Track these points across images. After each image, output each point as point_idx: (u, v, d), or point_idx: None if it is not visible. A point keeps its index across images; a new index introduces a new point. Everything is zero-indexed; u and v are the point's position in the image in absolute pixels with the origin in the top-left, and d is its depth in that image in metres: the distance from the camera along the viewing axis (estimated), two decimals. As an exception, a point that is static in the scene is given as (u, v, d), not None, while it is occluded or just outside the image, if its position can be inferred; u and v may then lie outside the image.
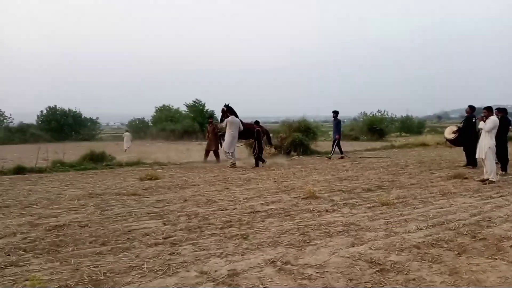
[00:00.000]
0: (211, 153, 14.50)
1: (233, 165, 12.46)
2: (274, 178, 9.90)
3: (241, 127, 12.73)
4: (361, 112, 51.24)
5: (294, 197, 7.42)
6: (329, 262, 4.11)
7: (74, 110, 44.48)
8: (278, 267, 4.00)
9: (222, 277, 3.78)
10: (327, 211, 6.35)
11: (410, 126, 49.04)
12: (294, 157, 15.17)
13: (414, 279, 3.65)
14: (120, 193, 8.17)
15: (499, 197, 7.17)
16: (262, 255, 4.36)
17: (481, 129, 8.79)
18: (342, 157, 14.70)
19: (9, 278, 3.86)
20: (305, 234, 5.09)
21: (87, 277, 3.83)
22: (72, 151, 16.22)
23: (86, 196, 7.97)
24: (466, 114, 11.48)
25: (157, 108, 50.40)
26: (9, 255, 4.53)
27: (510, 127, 10.54)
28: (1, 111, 45.10)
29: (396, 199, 7.06)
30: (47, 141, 38.87)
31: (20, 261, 4.30)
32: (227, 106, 13.00)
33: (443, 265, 3.97)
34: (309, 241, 4.83)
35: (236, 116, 12.88)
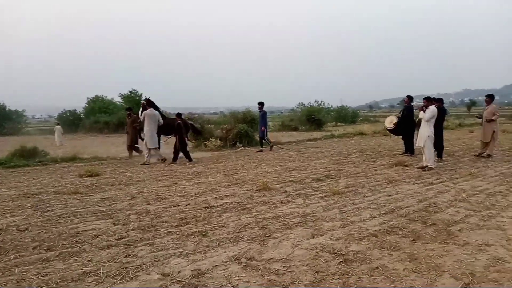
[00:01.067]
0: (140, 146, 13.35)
1: (162, 160, 11.76)
2: (224, 171, 9.75)
3: (161, 121, 11.90)
4: (299, 103, 52.41)
5: (247, 190, 7.35)
6: (294, 255, 4.09)
7: (-4, 102, 40.89)
8: (244, 264, 3.91)
9: (187, 278, 3.62)
10: (282, 202, 6.35)
11: (345, 116, 50.93)
12: (240, 148, 15.09)
13: (377, 268, 3.73)
14: (60, 192, 7.60)
15: (439, 183, 7.60)
16: (225, 252, 4.25)
17: (421, 118, 9.25)
18: (260, 151, 14.24)
19: None
20: (264, 228, 5.04)
21: (36, 287, 3.49)
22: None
23: (21, 196, 7.33)
24: (404, 104, 12.05)
25: (89, 99, 47.78)
26: None
27: (446, 116, 11.22)
28: None
29: (345, 188, 7.23)
30: (-35, 136, 35.60)
31: (-47, 274, 3.83)
32: (147, 99, 12.38)
33: (401, 252, 4.11)
34: (269, 234, 4.78)
35: (157, 109, 12.24)
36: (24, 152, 12.73)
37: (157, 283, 3.53)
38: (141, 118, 11.90)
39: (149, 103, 12.16)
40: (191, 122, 14.53)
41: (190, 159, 11.87)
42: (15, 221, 5.67)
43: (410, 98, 12.00)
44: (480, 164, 9.85)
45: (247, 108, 17.67)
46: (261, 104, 14.64)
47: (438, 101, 10.46)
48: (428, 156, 9.10)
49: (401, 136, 12.19)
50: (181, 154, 11.90)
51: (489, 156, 10.72)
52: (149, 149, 11.63)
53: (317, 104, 48.63)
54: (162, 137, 12.85)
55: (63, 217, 5.79)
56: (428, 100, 9.41)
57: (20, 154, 12.54)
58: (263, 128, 14.36)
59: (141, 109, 12.15)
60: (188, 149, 12.40)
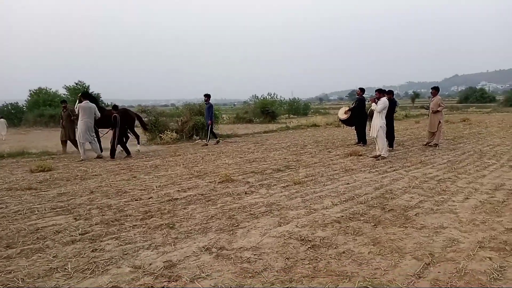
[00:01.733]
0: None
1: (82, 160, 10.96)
2: (183, 164, 9.68)
3: (98, 114, 11.29)
4: (253, 95, 52.67)
5: (210, 182, 7.36)
6: (263, 243, 4.20)
7: None
8: (215, 254, 3.96)
9: (159, 270, 3.62)
10: (245, 193, 6.44)
11: (297, 108, 51.79)
12: (197, 141, 14.99)
13: (344, 252, 3.92)
14: (12, 188, 7.24)
15: (393, 171, 8.01)
16: (195, 243, 4.27)
17: (373, 110, 9.65)
18: (218, 142, 14.33)
19: None
20: (232, 218, 5.10)
21: (2, 286, 3.35)
22: None
23: (-31, 194, 6.90)
24: (357, 96, 12.49)
25: (32, 92, 45.27)
26: None
27: (396, 107, 11.78)
28: None
29: (306, 178, 7.44)
30: None
31: None
32: (82, 92, 12.02)
33: (365, 237, 4.33)
34: (237, 224, 4.86)
35: (94, 102, 11.76)
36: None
37: (129, 276, 3.50)
38: (76, 111, 11.43)
39: (85, 96, 11.60)
40: (139, 115, 14.17)
41: (128, 152, 11.47)
42: (-34, 219, 5.35)
43: (362, 90, 12.45)
44: (429, 152, 10.46)
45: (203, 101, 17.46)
46: (207, 96, 14.35)
47: (389, 93, 10.95)
48: (381, 146, 9.54)
49: (354, 127, 12.65)
50: (120, 148, 11.54)
51: (436, 145, 11.39)
52: (82, 143, 11.12)
53: (270, 97, 49.10)
54: (101, 131, 12.33)
55: (19, 214, 5.54)
56: (380, 92, 9.84)
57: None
58: (209, 121, 14.12)
59: (77, 102, 11.62)
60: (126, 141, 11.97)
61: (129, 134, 12.52)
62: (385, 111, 9.46)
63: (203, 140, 14.45)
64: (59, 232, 4.74)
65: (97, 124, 11.73)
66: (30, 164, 9.89)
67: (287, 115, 47.05)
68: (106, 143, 12.04)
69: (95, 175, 8.53)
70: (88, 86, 42.44)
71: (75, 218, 5.30)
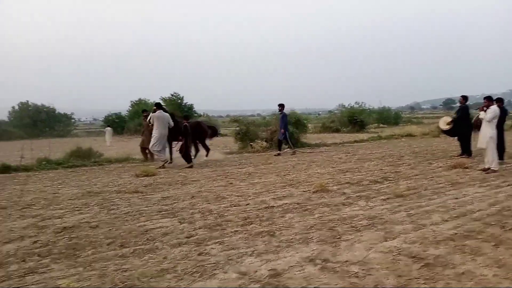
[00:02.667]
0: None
1: (162, 165, 11.23)
2: (275, 172, 9.71)
3: (171, 123, 11.38)
4: (339, 104, 51.71)
5: (304, 191, 7.26)
6: (370, 258, 3.98)
7: (47, 105, 42.94)
8: (320, 265, 3.84)
9: (265, 278, 3.59)
10: (343, 204, 6.22)
11: (387, 117, 49.73)
12: (285, 150, 15.01)
13: (464, 273, 3.56)
14: (121, 191, 7.82)
15: (507, 186, 7.22)
16: (297, 253, 4.19)
17: (481, 118, 8.84)
18: (279, 154, 13.74)
19: (33, 287, 3.56)
20: (332, 230, 4.94)
21: (120, 283, 3.57)
22: (49, 147, 15.44)
23: (85, 194, 7.59)
24: (459, 104, 11.59)
25: (132, 102, 49.26)
26: (24, 261, 4.20)
27: (506, 116, 10.70)
28: (-30, 108, 43.09)
29: (408, 191, 7.00)
30: (20, 138, 37.45)
31: (39, 268, 3.99)
32: (156, 103, 12.02)
33: (486, 258, 3.90)
34: (339, 236, 4.68)
35: (166, 112, 11.87)
36: (80, 152, 13.24)
37: (236, 282, 3.52)
38: (151, 120, 11.53)
39: (159, 106, 11.79)
40: (212, 127, 14.39)
41: (189, 161, 11.36)
42: (84, 218, 5.86)
43: (465, 98, 11.52)
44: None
45: (292, 110, 17.55)
46: (281, 106, 14.17)
47: (498, 101, 9.96)
48: (491, 158, 8.68)
49: (456, 138, 11.72)
50: (178, 155, 11.63)
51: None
52: (156, 151, 11.35)
53: (357, 106, 47.79)
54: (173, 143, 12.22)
55: (130, 215, 5.93)
56: (489, 100, 9.01)
57: (76, 155, 13.06)
58: (282, 130, 13.92)
59: (151, 112, 11.93)
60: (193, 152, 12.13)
61: (199, 147, 12.78)
62: (495, 121, 8.61)
63: (289, 149, 14.38)
64: (166, 234, 4.96)
65: (171, 136, 11.79)
66: (134, 169, 10.64)
67: (376, 124, 45.39)
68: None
69: (194, 180, 8.89)
70: (182, 97, 45.09)
71: (179, 222, 5.52)
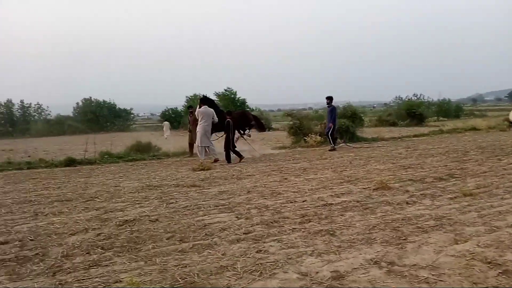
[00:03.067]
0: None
1: (215, 159, 11.41)
2: (331, 168, 9.47)
3: (215, 119, 11.52)
4: (396, 97, 49.94)
5: (364, 188, 6.98)
6: (440, 263, 3.69)
7: (108, 101, 45.09)
8: (385, 269, 3.61)
9: (327, 280, 3.43)
10: (407, 203, 5.89)
11: (447, 110, 47.33)
12: (340, 144, 14.64)
13: (551, 284, 3.20)
14: (179, 185, 7.96)
15: None
16: (360, 254, 3.98)
17: None
18: (333, 149, 13.27)
19: (97, 280, 3.64)
20: (396, 230, 4.67)
21: (180, 279, 3.56)
22: (111, 142, 16.16)
23: (145, 188, 7.81)
24: None
25: (188, 98, 50.47)
26: (88, 253, 4.34)
27: None
28: (39, 104, 46.20)
29: (477, 189, 6.51)
30: (83, 132, 39.73)
31: (102, 261, 4.09)
32: (202, 97, 12.04)
33: None
34: (404, 238, 4.41)
35: (213, 107, 11.88)
36: (139, 147, 13.71)
37: (297, 283, 3.40)
38: (196, 116, 11.65)
39: (204, 101, 11.85)
40: (256, 117, 14.23)
41: (229, 160, 11.30)
42: (144, 211, 6.00)
43: None
44: None
45: (348, 103, 17.05)
46: (329, 98, 13.62)
47: None
48: None
49: None
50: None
51: None
52: (204, 147, 11.42)
53: (415, 98, 45.83)
54: (214, 135, 12.48)
55: (188, 209, 6.00)
56: None
57: (136, 149, 13.53)
58: (330, 124, 13.41)
59: (197, 107, 12.03)
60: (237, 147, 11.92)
61: (245, 135, 12.65)
62: None
63: (344, 144, 13.93)
64: (224, 230, 4.94)
65: (215, 128, 11.94)
66: (191, 164, 10.83)
67: (435, 117, 43.31)
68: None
69: (249, 175, 8.88)
70: (235, 92, 45.53)
71: (237, 217, 5.49)
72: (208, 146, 11.59)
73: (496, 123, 19.39)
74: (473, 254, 3.86)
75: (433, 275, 3.45)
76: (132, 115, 49.52)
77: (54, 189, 8.10)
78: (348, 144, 14.31)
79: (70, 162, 11.60)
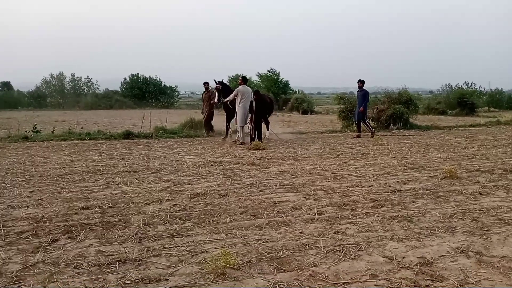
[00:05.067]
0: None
1: (240, 143, 10.96)
2: (390, 154, 9.28)
3: (253, 99, 10.97)
4: (445, 84, 47.93)
5: (430, 176, 6.81)
6: (532, 256, 3.56)
7: (155, 78, 46.00)
8: (474, 258, 3.52)
9: (415, 265, 3.39)
10: (480, 194, 5.69)
11: (499, 100, 44.96)
12: (394, 130, 14.30)
13: None
14: (238, 162, 8.07)
15: None
16: (444, 242, 3.90)
17: None
18: (361, 134, 12.84)
19: (183, 249, 3.77)
20: (476, 220, 4.53)
21: (265, 253, 3.63)
22: (157, 117, 16.40)
23: (206, 163, 7.96)
24: None
25: (230, 78, 50.71)
26: (168, 222, 4.50)
27: None
28: (89, 78, 47.80)
29: (554, 184, 6.20)
30: (130, 107, 40.87)
31: (184, 230, 4.23)
32: (221, 83, 11.72)
33: None
34: (487, 228, 4.28)
35: (228, 89, 11.65)
36: (192, 123, 13.95)
37: (385, 266, 3.38)
38: (233, 95, 11.12)
39: (244, 80, 11.43)
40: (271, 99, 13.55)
41: (257, 138, 10.89)
42: (212, 186, 6.13)
43: None
44: None
45: (404, 88, 16.49)
46: (361, 82, 12.84)
47: None
48: None
49: None
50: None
51: None
52: (241, 127, 11.02)
53: (466, 86, 43.84)
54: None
55: (254, 186, 6.08)
56: None
57: (190, 126, 13.79)
58: (361, 109, 12.70)
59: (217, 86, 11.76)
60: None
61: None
62: None
63: (397, 130, 13.46)
64: (295, 209, 4.98)
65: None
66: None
67: (486, 108, 41.34)
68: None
69: (305, 157, 8.86)
70: (279, 73, 45.25)
71: (305, 197, 5.51)
72: (242, 127, 11.18)
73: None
74: None
75: (527, 268, 3.34)
76: (176, 93, 50.36)
77: (119, 160, 8.41)
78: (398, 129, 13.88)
79: (128, 135, 11.99)
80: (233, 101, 11.25)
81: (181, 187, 6.08)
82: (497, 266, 3.37)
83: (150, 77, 45.88)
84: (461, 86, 43.56)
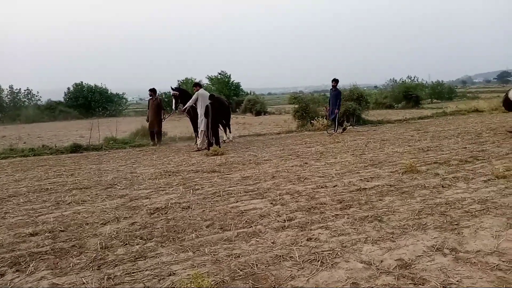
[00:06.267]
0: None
1: (197, 149, 10.72)
2: (348, 151, 9.30)
3: (208, 103, 10.53)
4: (390, 79, 49.78)
5: (391, 172, 6.84)
6: (504, 248, 3.57)
7: (100, 86, 44.18)
8: (451, 256, 3.47)
9: (394, 268, 3.28)
10: (442, 186, 5.76)
11: (441, 92, 47.35)
12: (348, 128, 14.49)
13: None
14: (198, 170, 7.74)
15: None
16: (417, 240, 3.84)
17: None
18: (339, 133, 12.89)
19: (148, 273, 3.44)
20: (445, 215, 4.53)
21: (239, 270, 3.38)
22: (105, 127, 15.62)
23: (163, 174, 7.57)
24: None
25: (180, 82, 49.68)
26: (128, 244, 4.13)
27: None
28: (29, 89, 45.02)
29: (507, 171, 6.38)
30: (75, 118, 38.98)
31: (147, 252, 3.90)
32: (178, 89, 11.58)
33: None
34: (456, 223, 4.27)
35: (187, 95, 11.39)
36: (144, 132, 13.37)
37: (365, 273, 3.24)
38: (193, 101, 10.88)
39: (198, 85, 11.37)
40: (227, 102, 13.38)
41: (214, 143, 10.50)
42: (172, 198, 5.79)
43: None
44: None
45: (355, 85, 16.79)
46: (335, 81, 12.95)
47: None
48: None
49: None
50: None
51: None
52: (202, 131, 10.72)
53: (409, 80, 45.75)
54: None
55: (218, 196, 5.80)
56: None
57: (142, 134, 13.20)
58: (336, 110, 12.86)
59: (174, 99, 11.65)
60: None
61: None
62: None
63: (351, 126, 13.56)
64: (263, 217, 4.77)
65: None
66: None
67: (429, 99, 43.36)
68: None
69: (266, 160, 8.68)
70: (230, 76, 44.96)
71: (271, 203, 5.31)
72: (204, 131, 10.81)
73: (498, 104, 19.35)
74: (535, 239, 3.74)
75: (503, 261, 3.32)
76: (124, 100, 48.63)
77: (68, 177, 7.81)
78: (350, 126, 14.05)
79: (76, 148, 11.25)
80: (193, 107, 10.90)
81: (139, 202, 5.68)
82: (474, 262, 3.34)
83: (95, 85, 43.97)
84: (405, 80, 45.43)
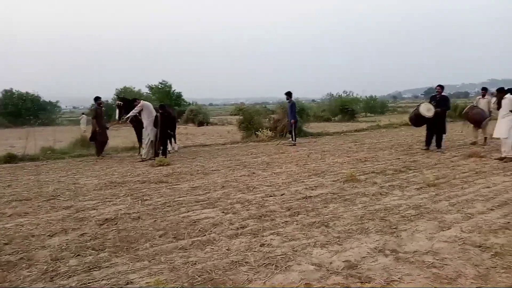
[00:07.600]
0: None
1: (141, 159, 10.53)
2: (292, 162, 9.65)
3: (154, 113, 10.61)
4: (327, 93, 51.89)
5: (334, 181, 7.23)
6: (438, 248, 3.97)
7: (32, 93, 41.73)
8: (392, 256, 3.81)
9: (343, 269, 3.55)
10: (380, 194, 6.21)
11: (373, 106, 50.12)
12: (289, 139, 14.96)
13: (538, 262, 3.59)
14: (145, 181, 7.66)
15: (532, 174, 7.35)
16: (362, 243, 4.16)
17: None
18: (294, 145, 13.27)
19: (105, 282, 3.43)
20: (384, 220, 4.92)
21: (197, 276, 3.47)
22: (39, 135, 14.81)
23: (108, 185, 7.40)
24: (437, 94, 11.01)
25: (118, 90, 48.18)
26: (80, 255, 4.06)
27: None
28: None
29: (437, 180, 7.01)
30: (4, 126, 36.50)
31: (101, 262, 3.86)
32: (122, 99, 11.54)
33: (552, 246, 3.94)
34: (395, 226, 4.67)
35: (130, 103, 11.12)
36: (84, 142, 12.90)
37: (316, 274, 3.47)
38: (136, 111, 10.63)
39: (128, 103, 11.19)
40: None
41: (155, 154, 10.53)
42: (121, 209, 5.71)
43: (442, 88, 11.12)
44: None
45: (296, 98, 17.31)
46: (289, 94, 13.40)
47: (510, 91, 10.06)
48: (508, 148, 8.83)
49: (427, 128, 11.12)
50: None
51: None
52: (152, 142, 10.58)
53: (345, 95, 48.00)
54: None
55: (168, 206, 5.81)
56: (500, 92, 9.25)
57: (81, 144, 12.72)
58: (293, 121, 13.37)
59: (117, 110, 11.38)
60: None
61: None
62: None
63: (291, 141, 13.96)
64: (216, 225, 4.87)
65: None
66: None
67: (363, 113, 45.74)
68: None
69: (214, 170, 8.77)
70: (170, 85, 44.42)
71: (223, 212, 5.43)
72: (152, 141, 10.63)
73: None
74: (462, 240, 4.20)
75: (437, 260, 3.71)
76: (57, 108, 46.28)
77: (5, 188, 7.39)
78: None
79: (10, 159, 10.60)
80: (136, 117, 10.72)
81: (86, 213, 5.55)
82: (413, 261, 3.69)
83: (27, 92, 41.48)
84: (341, 94, 47.60)
